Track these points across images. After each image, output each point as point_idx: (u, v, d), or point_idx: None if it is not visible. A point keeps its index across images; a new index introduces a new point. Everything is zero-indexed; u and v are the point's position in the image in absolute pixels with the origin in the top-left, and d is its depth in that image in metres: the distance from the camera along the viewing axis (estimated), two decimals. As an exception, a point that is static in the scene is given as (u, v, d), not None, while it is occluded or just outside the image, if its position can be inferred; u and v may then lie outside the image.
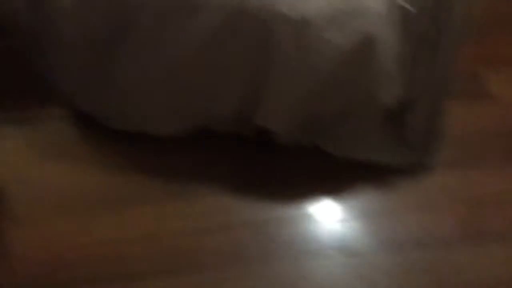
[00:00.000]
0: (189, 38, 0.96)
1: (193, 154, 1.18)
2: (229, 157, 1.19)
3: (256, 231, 1.08)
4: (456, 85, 1.12)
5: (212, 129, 1.17)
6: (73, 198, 1.11)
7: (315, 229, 1.10)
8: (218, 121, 1.14)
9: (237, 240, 1.07)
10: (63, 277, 1.01)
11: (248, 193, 1.13)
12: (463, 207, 1.13)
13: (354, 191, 1.15)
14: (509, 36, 1.49)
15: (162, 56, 1.01)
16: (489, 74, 1.37)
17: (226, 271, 1.03)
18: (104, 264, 1.03)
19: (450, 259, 1.05)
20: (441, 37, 1.02)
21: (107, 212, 1.10)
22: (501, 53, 1.45)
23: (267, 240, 1.07)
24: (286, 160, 1.19)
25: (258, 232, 1.08)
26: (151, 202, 1.12)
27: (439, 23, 1.01)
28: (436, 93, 1.09)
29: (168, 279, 1.01)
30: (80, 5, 0.95)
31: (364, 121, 1.11)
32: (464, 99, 1.24)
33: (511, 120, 1.29)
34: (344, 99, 1.07)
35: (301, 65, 0.97)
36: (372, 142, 1.15)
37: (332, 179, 1.16)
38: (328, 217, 1.11)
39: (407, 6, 0.96)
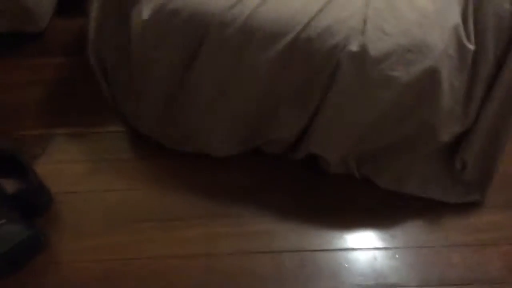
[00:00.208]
0: (258, 66, 0.99)
1: (244, 176, 1.20)
2: (279, 182, 1.20)
3: (300, 258, 1.09)
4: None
5: (263, 150, 1.20)
6: (123, 213, 1.14)
7: (356, 259, 1.09)
8: (274, 144, 1.16)
9: (280, 265, 1.08)
10: (112, 289, 1.04)
11: (294, 219, 1.14)
12: (511, 247, 1.11)
13: (400, 222, 1.14)
14: None
15: (229, 82, 1.03)
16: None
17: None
18: (152, 279, 1.05)
19: (494, 299, 1.03)
20: (500, 74, 1.01)
21: (156, 229, 1.12)
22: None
23: (309, 268, 1.08)
24: (334, 188, 1.19)
25: (302, 259, 1.09)
26: (200, 222, 1.13)
27: (499, 60, 1.00)
28: (492, 130, 1.08)
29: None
30: (159, 18, 0.98)
31: (418, 156, 1.11)
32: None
33: None
34: (400, 133, 1.07)
35: (361, 96, 0.98)
36: (424, 178, 1.14)
37: (378, 210, 1.16)
38: (370, 247, 1.11)
39: (468, 43, 0.96)
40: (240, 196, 1.17)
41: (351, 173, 1.17)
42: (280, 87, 1.03)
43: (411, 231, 1.13)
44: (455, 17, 0.95)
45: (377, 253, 1.10)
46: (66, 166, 1.21)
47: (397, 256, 1.10)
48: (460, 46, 0.96)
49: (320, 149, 1.12)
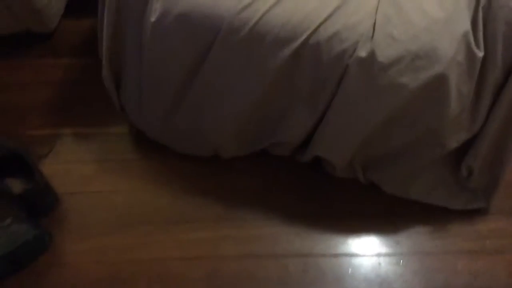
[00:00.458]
0: (266, 70, 0.99)
1: (251, 179, 1.21)
2: (284, 185, 1.20)
3: (304, 262, 1.09)
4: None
5: (269, 152, 1.20)
6: (130, 214, 1.15)
7: (360, 264, 1.09)
8: (280, 147, 1.16)
9: (284, 269, 1.08)
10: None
11: (299, 223, 1.14)
12: (516, 255, 1.11)
13: (404, 228, 1.14)
14: None
15: (238, 85, 1.03)
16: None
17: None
18: (157, 281, 1.05)
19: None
20: (508, 81, 1.00)
21: (163, 231, 1.12)
22: None
23: (313, 273, 1.08)
24: (340, 193, 1.19)
25: (306, 263, 1.09)
26: (205, 225, 1.14)
27: (508, 67, 1.00)
28: (498, 138, 1.07)
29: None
30: (167, 21, 0.98)
31: (425, 162, 1.10)
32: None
33: None
34: (407, 139, 1.07)
35: (368, 101, 0.98)
36: (430, 184, 1.14)
37: (383, 215, 1.16)
38: (374, 253, 1.11)
39: (477, 50, 0.96)
40: (246, 199, 1.18)
41: (357, 177, 1.17)
42: (288, 91, 1.03)
43: (416, 237, 1.13)
44: (464, 24, 0.95)
45: (382, 259, 1.10)
46: (72, 167, 1.21)
47: (401, 262, 1.10)
48: (469, 53, 0.96)
49: (326, 152, 1.12)
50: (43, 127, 1.27)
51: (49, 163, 1.20)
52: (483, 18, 0.96)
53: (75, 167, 1.21)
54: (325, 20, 0.94)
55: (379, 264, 1.09)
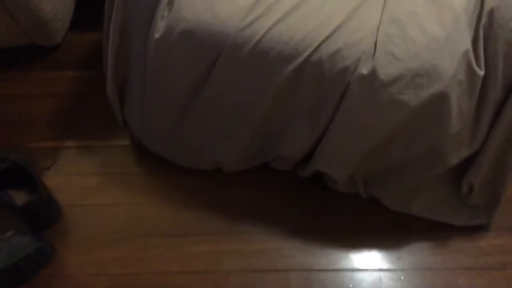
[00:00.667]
0: (269, 86, 1.00)
1: (252, 193, 1.21)
2: (286, 200, 1.20)
3: (305, 277, 1.09)
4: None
5: (271, 166, 1.20)
6: (131, 227, 1.15)
7: (362, 279, 1.09)
8: (282, 161, 1.17)
9: (285, 284, 1.08)
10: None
11: (301, 238, 1.14)
12: (517, 271, 1.11)
13: (406, 244, 1.14)
14: None
15: (241, 101, 1.04)
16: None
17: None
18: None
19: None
20: (508, 99, 1.01)
21: (163, 245, 1.12)
22: None
23: (314, 287, 1.08)
24: (342, 207, 1.19)
25: (307, 278, 1.09)
26: (206, 239, 1.14)
27: (508, 85, 1.00)
28: (499, 155, 1.07)
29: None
30: (171, 38, 0.99)
31: (426, 178, 1.11)
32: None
33: None
34: (407, 155, 1.07)
35: (369, 118, 0.99)
36: (431, 200, 1.14)
37: (385, 230, 1.16)
38: (375, 268, 1.11)
39: (477, 69, 0.96)
40: (247, 213, 1.18)
41: (358, 192, 1.17)
42: (291, 107, 1.03)
43: (417, 253, 1.13)
44: (465, 42, 0.96)
45: (383, 274, 1.10)
46: (75, 179, 1.22)
47: (402, 278, 1.10)
48: (470, 72, 0.96)
49: (327, 167, 1.12)
50: (47, 139, 1.28)
51: (52, 176, 1.21)
52: (484, 37, 0.97)
53: (77, 180, 1.21)
54: (328, 37, 0.95)
55: (380, 279, 1.09)
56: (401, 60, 0.93)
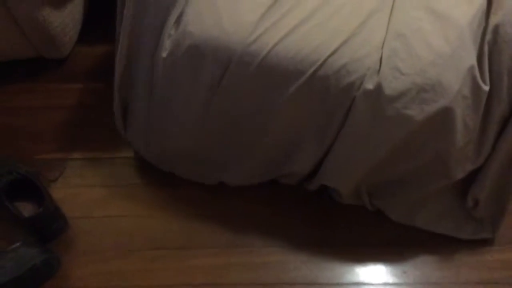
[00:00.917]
0: (275, 102, 1.00)
1: (258, 206, 1.21)
2: (292, 213, 1.20)
3: (310, 291, 1.10)
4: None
5: (277, 180, 1.20)
6: (137, 239, 1.15)
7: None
8: (288, 176, 1.17)
9: (290, 297, 1.09)
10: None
11: (306, 251, 1.14)
12: (523, 285, 1.11)
13: (411, 258, 1.14)
14: None
15: (248, 117, 1.04)
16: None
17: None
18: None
19: None
20: (513, 115, 1.03)
21: (169, 257, 1.13)
22: None
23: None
24: (347, 220, 1.19)
25: (312, 292, 1.10)
26: (212, 251, 1.14)
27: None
28: (504, 169, 1.07)
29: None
30: (178, 54, 1.00)
31: (431, 192, 1.11)
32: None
33: None
34: (412, 169, 1.07)
35: (375, 133, 0.99)
36: (436, 213, 1.14)
37: (390, 244, 1.16)
38: (380, 282, 1.11)
39: (482, 84, 0.97)
40: (253, 226, 1.18)
41: (364, 204, 1.17)
42: (298, 123, 1.04)
43: (423, 267, 1.13)
44: (470, 58, 0.96)
45: (388, 286, 1.10)
46: (82, 191, 1.22)
47: (408, 291, 1.10)
48: (475, 87, 0.97)
49: (333, 181, 1.13)
50: (54, 151, 1.29)
51: (59, 187, 1.21)
52: (489, 53, 0.98)
53: (84, 192, 1.22)
54: (333, 53, 0.95)
55: (387, 294, 1.10)
56: (407, 75, 0.94)
